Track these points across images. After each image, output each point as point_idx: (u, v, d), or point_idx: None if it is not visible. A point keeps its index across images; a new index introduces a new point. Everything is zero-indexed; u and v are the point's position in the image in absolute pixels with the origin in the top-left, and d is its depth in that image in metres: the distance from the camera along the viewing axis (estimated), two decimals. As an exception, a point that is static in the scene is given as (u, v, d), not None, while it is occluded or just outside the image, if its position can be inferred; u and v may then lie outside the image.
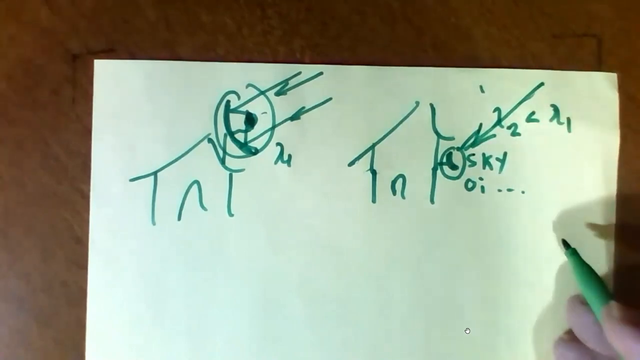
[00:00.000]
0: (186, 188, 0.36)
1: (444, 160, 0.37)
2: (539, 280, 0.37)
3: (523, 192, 0.37)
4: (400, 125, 0.37)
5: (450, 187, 0.37)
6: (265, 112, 0.37)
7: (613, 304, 0.32)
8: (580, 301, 0.35)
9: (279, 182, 0.37)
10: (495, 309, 0.37)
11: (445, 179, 0.37)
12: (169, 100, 0.37)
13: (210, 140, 0.37)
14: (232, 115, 0.37)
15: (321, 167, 0.37)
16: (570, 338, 0.35)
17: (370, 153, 0.37)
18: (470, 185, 0.37)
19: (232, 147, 0.37)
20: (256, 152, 0.37)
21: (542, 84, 0.37)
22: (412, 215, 0.37)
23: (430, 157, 0.37)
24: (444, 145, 0.37)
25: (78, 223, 0.37)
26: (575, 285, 0.35)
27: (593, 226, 0.37)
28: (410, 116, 0.37)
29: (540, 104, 0.37)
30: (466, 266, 0.37)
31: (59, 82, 0.37)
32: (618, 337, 0.30)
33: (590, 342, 0.33)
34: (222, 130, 0.37)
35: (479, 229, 0.37)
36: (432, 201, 0.37)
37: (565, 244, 0.36)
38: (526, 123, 0.37)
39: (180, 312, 0.36)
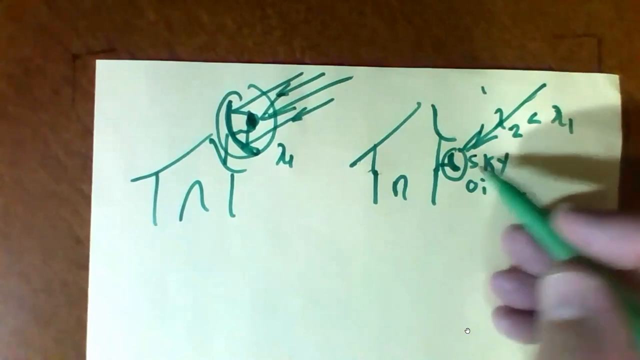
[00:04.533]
0: (188, 188, 0.36)
1: (446, 161, 0.37)
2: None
3: (524, 193, 0.37)
4: (402, 126, 0.37)
5: (452, 188, 0.37)
6: (267, 113, 0.37)
7: (562, 204, 0.31)
8: (514, 227, 0.35)
9: (280, 182, 0.37)
10: (496, 309, 0.37)
11: (447, 180, 0.37)
12: (171, 100, 0.37)
13: (211, 141, 0.37)
14: (233, 116, 0.37)
15: (323, 168, 0.37)
16: (508, 270, 0.36)
17: (371, 154, 0.37)
18: (471, 186, 0.37)
19: (233, 148, 0.37)
20: (258, 152, 0.37)
21: (544, 85, 0.37)
22: (414, 216, 0.37)
23: (431, 158, 0.37)
24: (446, 146, 0.37)
25: (78, 223, 0.37)
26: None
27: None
28: (412, 117, 0.37)
29: (542, 105, 0.37)
30: (467, 267, 0.37)
31: (59, 82, 0.37)
32: (572, 230, 0.30)
33: (529, 264, 0.34)
34: (223, 130, 0.37)
35: (480, 229, 0.37)
36: (433, 202, 0.37)
37: (484, 168, 0.37)
38: (528, 124, 0.37)
39: (182, 312, 0.36)
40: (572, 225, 0.30)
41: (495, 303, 0.36)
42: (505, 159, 0.37)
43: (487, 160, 0.37)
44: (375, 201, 0.37)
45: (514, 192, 0.35)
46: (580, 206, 0.31)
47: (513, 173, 0.37)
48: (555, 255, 0.32)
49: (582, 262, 0.29)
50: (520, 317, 0.34)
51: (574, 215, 0.30)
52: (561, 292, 0.29)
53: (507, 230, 0.35)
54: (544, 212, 0.33)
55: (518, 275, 0.35)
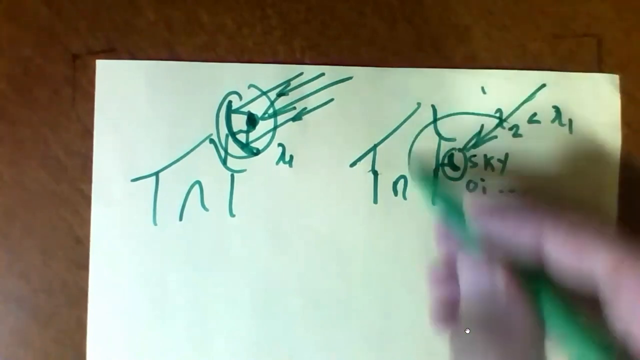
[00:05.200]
0: (188, 188, 0.37)
1: (446, 161, 0.37)
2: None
3: (525, 193, 0.37)
4: (402, 126, 0.37)
5: (452, 188, 0.37)
6: (267, 113, 0.37)
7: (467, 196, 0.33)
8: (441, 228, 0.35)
9: (280, 182, 0.37)
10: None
11: (447, 180, 0.37)
12: (171, 100, 0.37)
13: (212, 141, 0.37)
14: (233, 116, 0.37)
15: (323, 168, 0.37)
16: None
17: (371, 154, 0.37)
18: (471, 186, 0.37)
19: (233, 148, 0.37)
20: (258, 152, 0.37)
21: (543, 85, 0.37)
22: (414, 216, 0.37)
23: (431, 158, 0.37)
24: (446, 146, 0.37)
25: (78, 223, 0.37)
26: None
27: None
28: (412, 117, 0.37)
29: (542, 106, 0.37)
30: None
31: (59, 82, 0.37)
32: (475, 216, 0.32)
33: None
34: (223, 130, 0.37)
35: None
36: (433, 202, 0.37)
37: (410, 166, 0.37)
38: (528, 124, 0.37)
39: (182, 312, 0.36)
40: (477, 211, 0.32)
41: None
42: (505, 159, 0.37)
43: (487, 160, 0.37)
44: (375, 201, 0.37)
45: (435, 193, 0.36)
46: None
47: (513, 173, 0.37)
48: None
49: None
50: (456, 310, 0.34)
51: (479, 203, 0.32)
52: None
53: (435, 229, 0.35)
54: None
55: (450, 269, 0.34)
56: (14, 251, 0.36)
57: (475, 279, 0.30)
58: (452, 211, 0.33)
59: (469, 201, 0.32)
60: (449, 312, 0.34)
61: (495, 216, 0.31)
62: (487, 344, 0.28)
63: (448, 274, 0.34)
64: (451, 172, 0.37)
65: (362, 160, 0.37)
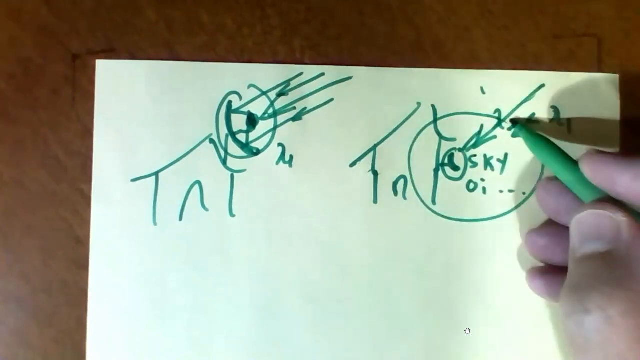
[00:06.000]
0: (188, 188, 0.36)
1: (446, 161, 0.37)
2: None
3: (524, 193, 0.37)
4: (402, 126, 0.37)
5: (452, 188, 0.37)
6: (267, 113, 0.37)
7: (588, 150, 0.32)
8: (548, 179, 0.36)
9: (280, 182, 0.37)
10: (496, 309, 0.37)
11: (447, 180, 0.37)
12: (171, 100, 0.37)
13: (211, 141, 0.37)
14: (233, 116, 0.37)
15: (323, 168, 0.37)
16: (542, 226, 0.36)
17: (371, 154, 0.37)
18: (472, 186, 0.37)
19: (233, 148, 0.37)
20: (258, 152, 0.37)
21: (542, 85, 0.37)
22: (414, 216, 0.37)
23: (432, 158, 0.37)
24: (446, 146, 0.37)
25: (78, 223, 0.37)
26: None
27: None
28: (412, 117, 0.37)
29: (541, 106, 0.37)
30: (468, 266, 0.37)
31: (59, 82, 0.37)
32: (597, 171, 0.31)
33: (562, 216, 0.34)
34: (223, 130, 0.37)
35: (480, 229, 0.37)
36: (433, 202, 0.37)
37: (513, 122, 0.37)
38: (528, 124, 0.37)
39: (182, 312, 0.36)
40: (596, 167, 0.31)
41: (527, 265, 0.37)
42: (504, 158, 0.37)
43: (487, 160, 0.37)
44: (375, 201, 0.37)
45: (543, 143, 0.35)
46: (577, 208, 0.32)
47: (513, 173, 0.37)
48: (585, 200, 0.32)
49: (609, 201, 0.31)
50: (555, 276, 0.35)
51: (598, 158, 0.31)
52: (591, 228, 0.30)
53: (542, 183, 0.36)
54: (572, 160, 0.34)
55: (552, 230, 0.35)
56: (14, 251, 0.36)
57: (591, 226, 0.30)
58: (562, 163, 0.34)
59: (586, 154, 0.32)
60: (550, 277, 0.35)
61: (616, 169, 0.31)
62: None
63: (550, 234, 0.35)
64: (451, 172, 0.37)
65: (362, 160, 0.37)
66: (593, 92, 0.37)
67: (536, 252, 0.36)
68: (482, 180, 0.37)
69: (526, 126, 0.37)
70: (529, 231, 0.36)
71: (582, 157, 0.32)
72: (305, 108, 0.37)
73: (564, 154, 0.34)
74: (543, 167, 0.37)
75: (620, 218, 0.29)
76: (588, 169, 0.32)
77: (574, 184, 0.33)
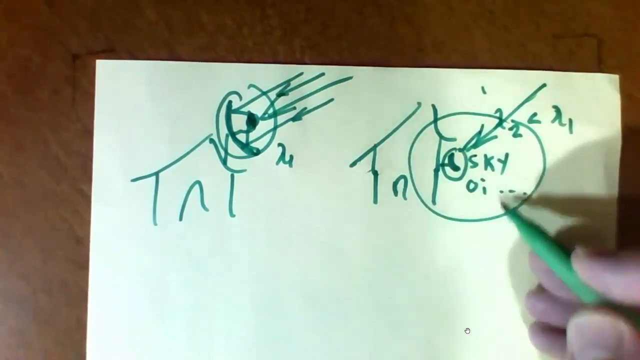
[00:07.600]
0: (188, 188, 0.37)
1: (446, 161, 0.37)
2: (539, 280, 0.37)
3: (524, 194, 0.37)
4: (402, 126, 0.37)
5: (452, 188, 0.37)
6: (267, 113, 0.37)
7: (578, 248, 0.32)
8: (532, 292, 0.36)
9: (280, 182, 0.37)
10: (495, 309, 0.37)
11: (447, 180, 0.37)
12: (171, 100, 0.37)
13: (212, 141, 0.37)
14: (233, 116, 0.37)
15: (323, 168, 0.37)
16: (539, 289, 0.36)
17: (371, 154, 0.37)
18: (471, 186, 0.37)
19: (233, 148, 0.37)
20: (258, 152, 0.37)
21: (544, 85, 0.37)
22: (414, 216, 0.37)
23: (432, 158, 0.37)
24: (446, 146, 0.37)
25: (78, 223, 0.37)
26: None
27: (594, 227, 0.37)
28: (412, 117, 0.37)
29: (542, 106, 0.37)
30: (467, 266, 0.37)
31: (59, 82, 0.37)
32: (591, 276, 0.31)
33: (556, 290, 0.34)
34: (223, 130, 0.37)
35: (480, 229, 0.37)
36: (434, 202, 0.37)
37: (504, 206, 0.37)
38: (528, 124, 0.37)
39: (182, 312, 0.36)
40: (590, 272, 0.31)
41: (530, 319, 0.37)
42: (505, 158, 0.37)
43: (487, 160, 0.37)
44: (375, 201, 0.37)
45: (535, 233, 0.35)
46: (594, 244, 0.32)
47: (513, 173, 0.37)
48: (581, 296, 0.32)
49: (607, 305, 0.30)
50: (555, 334, 0.35)
51: (590, 262, 0.31)
52: (592, 334, 0.30)
53: (528, 296, 0.36)
54: (565, 253, 0.32)
55: (549, 296, 0.35)
56: (14, 251, 0.36)
57: (592, 333, 0.30)
58: (555, 257, 0.33)
59: (577, 258, 0.31)
60: (552, 334, 0.35)
61: (610, 274, 0.30)
62: None
63: (547, 299, 0.35)
64: (451, 172, 0.37)
65: (362, 160, 0.37)
66: (593, 92, 0.37)
67: (537, 315, 0.36)
68: (483, 180, 0.37)
69: (517, 213, 0.36)
70: (528, 294, 0.36)
71: (574, 259, 0.32)
72: (305, 108, 0.37)
73: (557, 247, 0.33)
74: (544, 168, 0.37)
75: (622, 326, 0.29)
76: (582, 273, 0.31)
77: (569, 279, 0.32)
